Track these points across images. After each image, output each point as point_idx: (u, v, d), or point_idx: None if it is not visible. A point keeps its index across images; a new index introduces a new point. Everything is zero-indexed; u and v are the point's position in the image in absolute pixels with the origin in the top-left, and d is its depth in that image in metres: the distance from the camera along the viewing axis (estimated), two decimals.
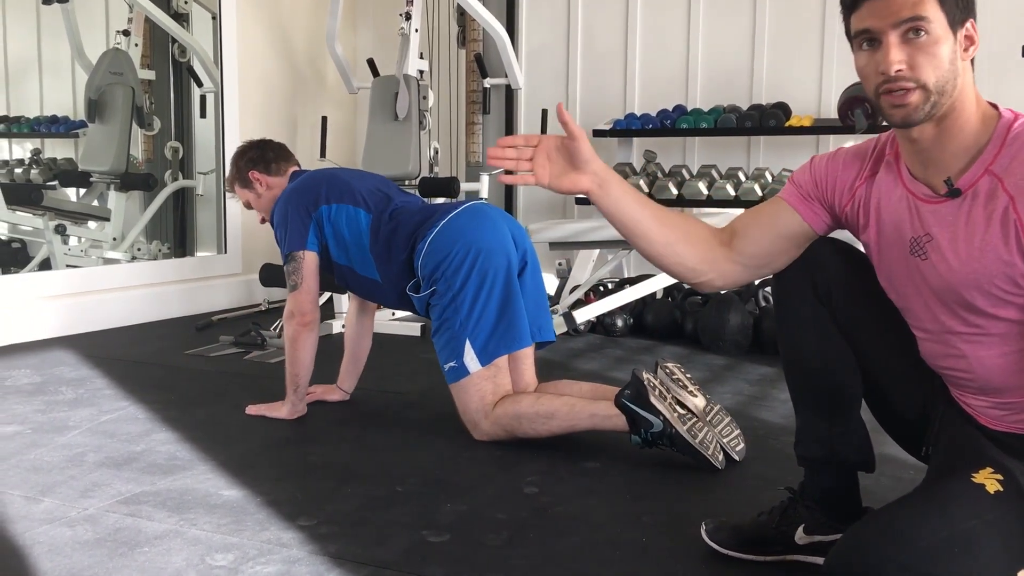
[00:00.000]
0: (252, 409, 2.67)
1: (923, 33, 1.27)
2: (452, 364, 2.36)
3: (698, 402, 2.28)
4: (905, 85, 1.28)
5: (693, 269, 1.57)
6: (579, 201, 4.82)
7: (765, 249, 1.56)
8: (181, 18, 5.24)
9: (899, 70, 1.28)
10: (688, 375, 2.35)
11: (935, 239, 1.36)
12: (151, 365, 3.40)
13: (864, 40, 1.31)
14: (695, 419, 2.20)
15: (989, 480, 1.33)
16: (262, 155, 2.81)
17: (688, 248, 1.56)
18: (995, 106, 1.34)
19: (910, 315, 1.47)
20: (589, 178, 1.51)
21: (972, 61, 1.33)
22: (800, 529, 1.65)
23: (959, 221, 1.33)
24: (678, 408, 2.20)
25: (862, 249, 1.55)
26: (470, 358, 2.33)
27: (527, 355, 2.52)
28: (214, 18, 4.99)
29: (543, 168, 1.51)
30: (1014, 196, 1.26)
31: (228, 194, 3.06)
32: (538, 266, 2.58)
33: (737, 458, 2.24)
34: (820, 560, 1.59)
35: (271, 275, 4.10)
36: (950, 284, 1.35)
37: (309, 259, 2.57)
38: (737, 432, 2.29)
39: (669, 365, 2.33)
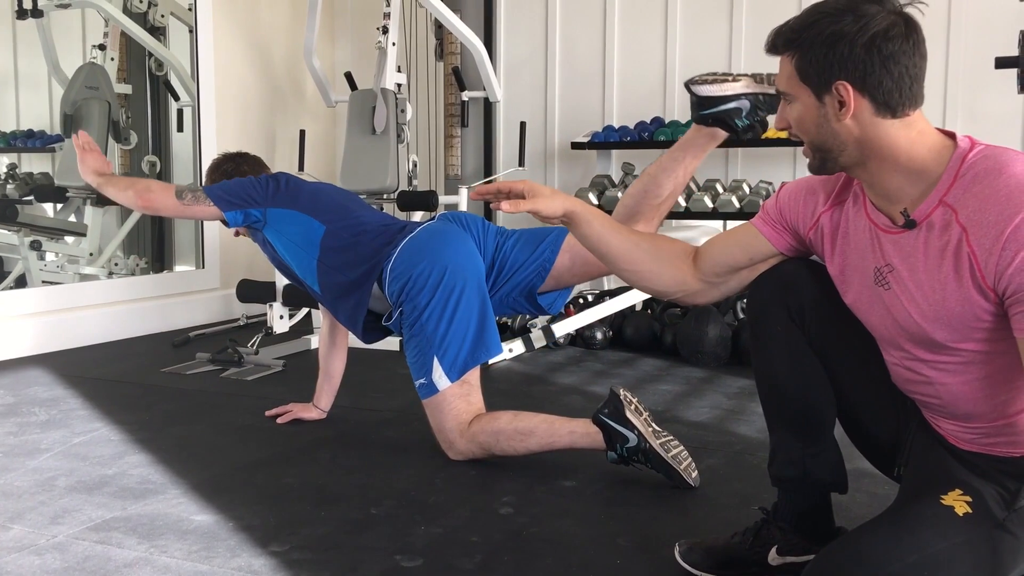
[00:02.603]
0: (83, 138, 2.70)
1: (792, 103, 1.38)
2: (422, 381, 2.35)
3: None
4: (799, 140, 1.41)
5: (662, 290, 1.70)
6: None
7: (726, 264, 1.63)
8: (157, 32, 5.22)
9: (780, 128, 1.42)
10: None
11: (897, 269, 1.37)
12: (127, 384, 3.37)
13: None
14: (670, 436, 2.20)
15: (958, 502, 1.33)
16: (237, 168, 2.81)
17: (656, 270, 1.67)
18: (952, 135, 1.33)
19: (878, 341, 1.48)
20: (557, 221, 1.68)
21: (888, 110, 1.30)
22: (773, 550, 1.65)
23: (917, 253, 1.33)
24: (653, 424, 2.20)
25: None
26: (439, 375, 2.32)
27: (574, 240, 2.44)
28: (191, 32, 4.97)
29: (521, 202, 1.66)
30: (967, 228, 1.26)
31: None
32: (504, 230, 2.57)
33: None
34: None
35: (249, 290, 4.08)
36: (912, 317, 1.35)
37: (208, 211, 2.56)
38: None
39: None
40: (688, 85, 2.17)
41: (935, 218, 1.30)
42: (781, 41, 1.36)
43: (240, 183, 2.61)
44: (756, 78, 2.14)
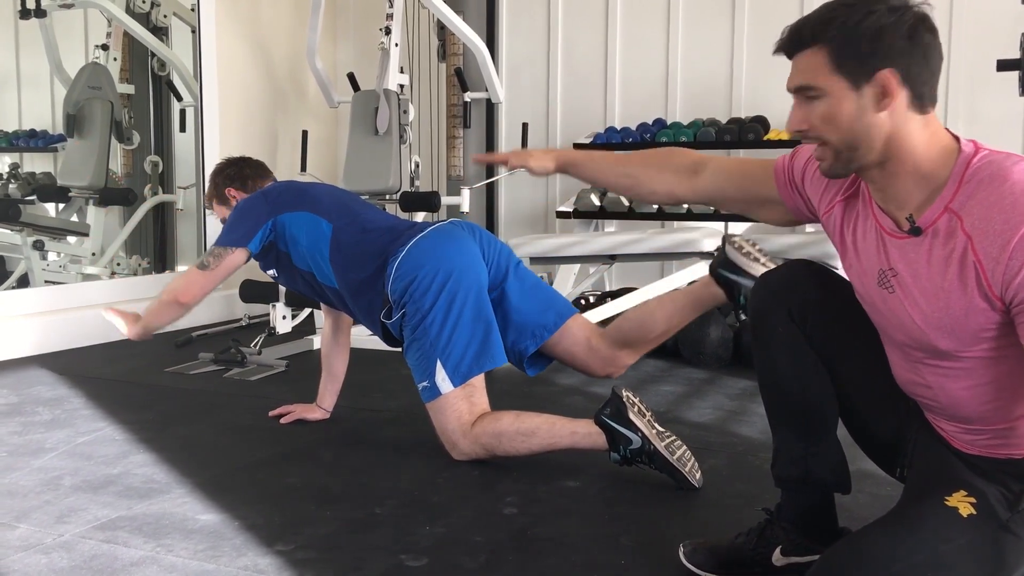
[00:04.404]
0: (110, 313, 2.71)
1: (815, 99, 1.33)
2: (424, 384, 2.35)
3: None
4: (813, 141, 1.36)
5: (657, 191, 1.80)
6: (560, 215, 4.83)
7: (723, 190, 1.71)
8: (160, 32, 5.23)
9: (797, 130, 1.36)
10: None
11: (900, 274, 1.37)
12: (130, 384, 3.38)
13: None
14: (673, 437, 2.21)
15: (962, 503, 1.34)
16: (239, 172, 2.82)
17: (651, 187, 1.79)
18: (956, 138, 1.33)
19: (882, 340, 1.49)
20: (551, 170, 1.91)
21: (919, 105, 1.30)
22: (777, 550, 1.66)
23: (921, 259, 1.33)
24: (656, 425, 2.21)
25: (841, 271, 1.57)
26: (442, 378, 2.32)
27: (574, 327, 2.54)
28: (193, 32, 4.98)
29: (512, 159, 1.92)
30: (972, 236, 1.25)
31: (207, 210, 3.08)
32: (522, 267, 2.58)
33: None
34: None
35: (252, 291, 4.08)
36: (916, 322, 1.35)
37: (235, 257, 2.57)
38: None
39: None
40: (725, 241, 2.24)
41: (940, 225, 1.30)
42: (808, 34, 1.32)
43: (238, 214, 2.62)
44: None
